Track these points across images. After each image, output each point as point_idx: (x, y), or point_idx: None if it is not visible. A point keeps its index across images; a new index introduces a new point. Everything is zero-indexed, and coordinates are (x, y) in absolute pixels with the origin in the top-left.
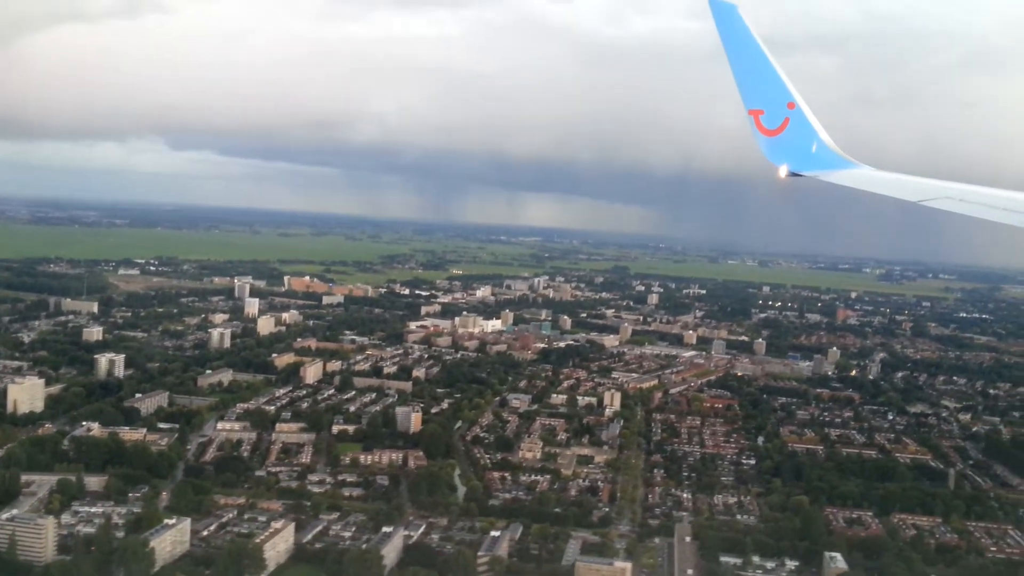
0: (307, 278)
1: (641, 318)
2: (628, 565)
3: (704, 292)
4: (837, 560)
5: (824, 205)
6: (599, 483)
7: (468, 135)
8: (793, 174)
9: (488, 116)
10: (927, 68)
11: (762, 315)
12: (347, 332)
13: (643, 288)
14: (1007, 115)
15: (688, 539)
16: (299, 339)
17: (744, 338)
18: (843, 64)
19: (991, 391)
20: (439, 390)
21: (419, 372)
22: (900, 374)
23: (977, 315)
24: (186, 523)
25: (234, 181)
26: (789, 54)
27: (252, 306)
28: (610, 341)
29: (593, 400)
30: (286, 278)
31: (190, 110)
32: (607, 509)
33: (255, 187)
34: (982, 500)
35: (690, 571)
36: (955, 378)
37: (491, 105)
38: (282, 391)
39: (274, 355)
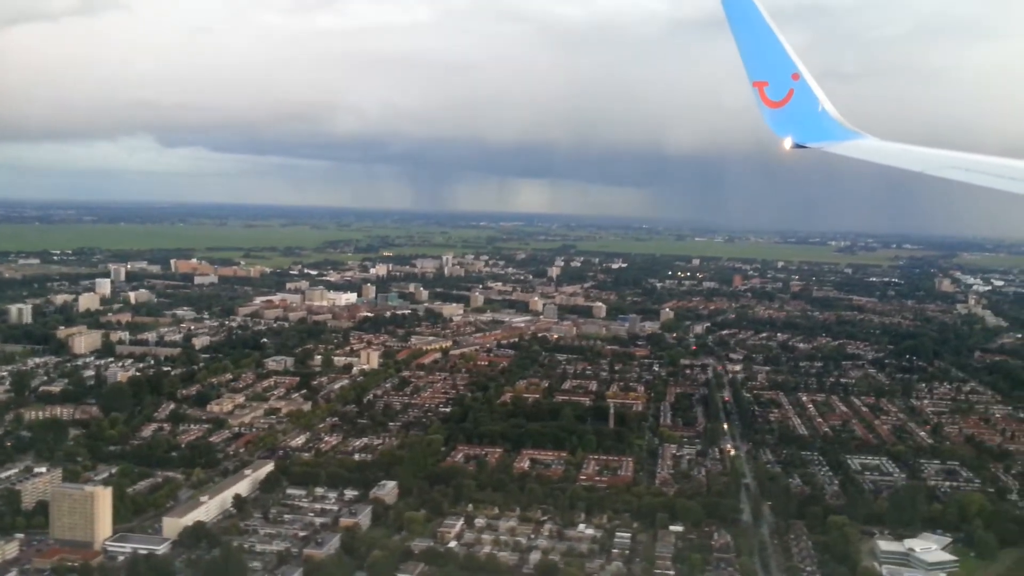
0: (194, 261)
1: (512, 288)
2: (102, 490)
3: (625, 266)
4: (387, 487)
5: (811, 180)
6: (250, 431)
7: (451, 123)
8: (798, 146)
9: (467, 103)
10: (889, 37)
11: (659, 284)
12: (185, 308)
13: (563, 264)
14: (972, 78)
15: (250, 472)
16: (113, 314)
17: (597, 303)
18: (812, 39)
19: (800, 345)
20: (204, 355)
21: (199, 341)
22: (724, 332)
23: (888, 280)
24: None
25: (230, 177)
26: None
27: (104, 287)
28: (452, 310)
29: (354, 360)
30: (172, 261)
31: (168, 106)
32: (231, 452)
33: (250, 183)
34: (624, 437)
35: (204, 498)
36: (778, 335)
37: (469, 91)
38: (38, 360)
39: (62, 328)
